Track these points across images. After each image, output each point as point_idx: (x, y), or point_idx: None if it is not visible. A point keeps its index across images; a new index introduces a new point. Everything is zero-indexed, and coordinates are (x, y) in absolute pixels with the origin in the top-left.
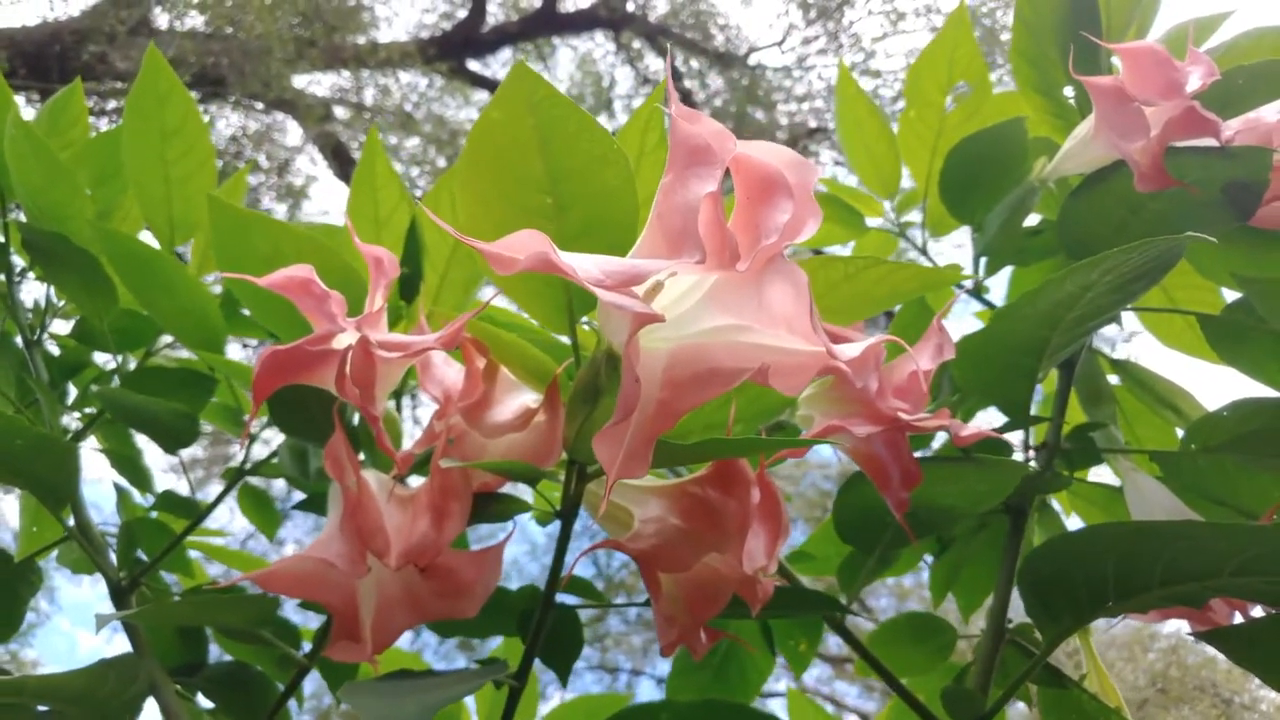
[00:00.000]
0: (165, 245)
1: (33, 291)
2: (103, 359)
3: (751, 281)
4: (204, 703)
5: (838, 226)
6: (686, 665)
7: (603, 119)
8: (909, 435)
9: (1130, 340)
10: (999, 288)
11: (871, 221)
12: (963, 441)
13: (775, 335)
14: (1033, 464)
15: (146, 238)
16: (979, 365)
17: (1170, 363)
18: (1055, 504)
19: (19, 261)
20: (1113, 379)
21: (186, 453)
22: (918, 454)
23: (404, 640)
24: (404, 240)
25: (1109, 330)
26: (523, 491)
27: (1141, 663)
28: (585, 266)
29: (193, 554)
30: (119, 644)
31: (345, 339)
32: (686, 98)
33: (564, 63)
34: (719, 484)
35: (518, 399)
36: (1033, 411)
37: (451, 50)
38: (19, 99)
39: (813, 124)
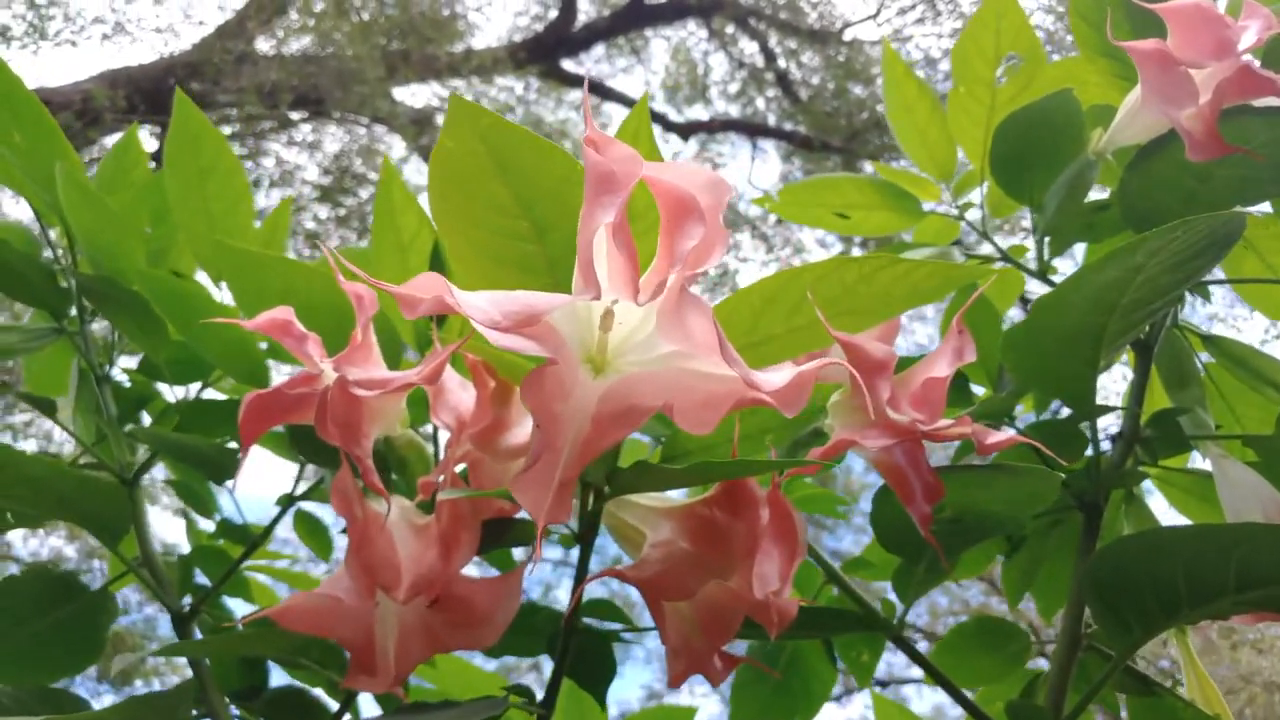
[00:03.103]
0: (215, 278)
1: (103, 328)
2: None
3: (675, 309)
4: None
5: (893, 214)
6: (748, 678)
7: (698, 109)
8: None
9: None
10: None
11: (930, 206)
12: (987, 450)
13: (712, 362)
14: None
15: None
16: (1029, 357)
17: None
18: (1155, 491)
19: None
20: (1204, 356)
21: None
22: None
23: None
24: (428, 264)
25: None
26: None
27: None
28: (482, 307)
29: (265, 579)
30: None
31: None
32: (783, 79)
33: (658, 54)
34: (726, 505)
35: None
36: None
37: (545, 51)
38: (142, 132)
39: None
